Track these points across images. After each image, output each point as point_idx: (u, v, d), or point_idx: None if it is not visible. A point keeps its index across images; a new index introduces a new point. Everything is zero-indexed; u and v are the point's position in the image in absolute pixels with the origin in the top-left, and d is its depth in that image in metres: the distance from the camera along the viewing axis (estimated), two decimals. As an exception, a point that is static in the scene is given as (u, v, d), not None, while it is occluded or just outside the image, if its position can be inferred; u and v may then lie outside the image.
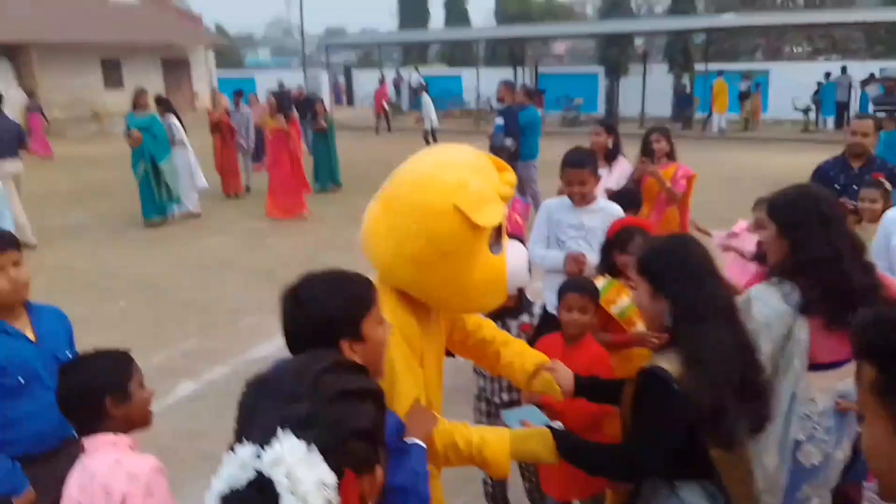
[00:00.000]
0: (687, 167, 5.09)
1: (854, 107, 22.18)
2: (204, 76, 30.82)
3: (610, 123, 5.65)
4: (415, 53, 40.30)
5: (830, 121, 21.96)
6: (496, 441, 2.03)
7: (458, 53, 39.71)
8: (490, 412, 3.35)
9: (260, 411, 0.99)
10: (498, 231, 2.08)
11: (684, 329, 1.87)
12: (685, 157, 5.44)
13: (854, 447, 2.44)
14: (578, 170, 3.69)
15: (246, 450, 0.93)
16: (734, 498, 1.88)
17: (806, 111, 22.09)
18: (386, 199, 2.10)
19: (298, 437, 0.93)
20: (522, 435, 2.07)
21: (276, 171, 10.65)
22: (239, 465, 0.92)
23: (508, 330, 3.01)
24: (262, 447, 0.93)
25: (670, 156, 5.06)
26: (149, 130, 9.86)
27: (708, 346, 1.80)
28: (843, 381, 2.37)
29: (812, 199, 2.28)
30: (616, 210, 3.83)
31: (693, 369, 1.79)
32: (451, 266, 2.00)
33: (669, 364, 1.84)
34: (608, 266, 3.18)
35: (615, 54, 26.43)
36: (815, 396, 2.31)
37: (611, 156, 5.20)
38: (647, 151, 4.99)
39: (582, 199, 3.74)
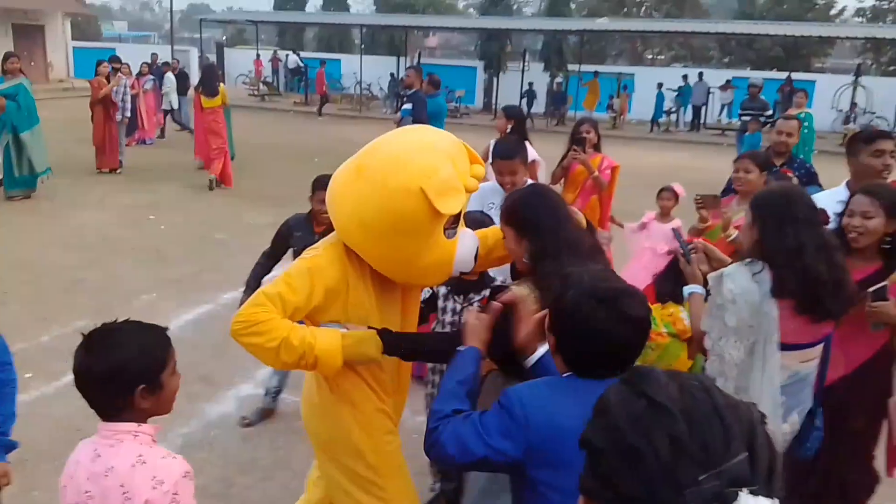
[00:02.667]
0: (611, 158, 5.32)
1: (712, 110, 24.02)
2: (60, 45, 28.49)
3: (512, 109, 5.81)
4: (289, 36, 39.29)
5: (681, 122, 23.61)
6: (328, 338, 2.15)
7: (336, 39, 39.14)
8: None
9: (682, 475, 0.73)
10: (456, 217, 2.19)
11: (544, 264, 2.17)
12: (561, 152, 5.55)
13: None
14: (509, 161, 3.77)
15: None
16: None
17: (668, 113, 23.64)
18: (358, 166, 2.17)
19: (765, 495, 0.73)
20: (353, 336, 2.19)
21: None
22: None
23: (471, 303, 3.13)
24: None
25: (597, 147, 5.26)
26: (14, 98, 9.02)
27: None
28: (807, 363, 2.56)
29: (788, 198, 2.47)
30: None
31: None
32: (403, 243, 2.12)
33: (521, 290, 2.13)
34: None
35: (495, 50, 27.02)
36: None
37: None
38: (577, 141, 5.15)
39: (513, 187, 3.82)
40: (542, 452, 1.56)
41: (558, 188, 5.49)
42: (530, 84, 24.43)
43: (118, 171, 11.50)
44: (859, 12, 36.67)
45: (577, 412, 1.35)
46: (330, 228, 4.07)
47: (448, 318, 3.24)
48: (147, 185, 10.77)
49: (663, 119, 23.74)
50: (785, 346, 2.43)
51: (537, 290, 2.14)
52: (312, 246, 2.34)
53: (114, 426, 1.71)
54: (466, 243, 2.30)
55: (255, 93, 26.46)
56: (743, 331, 2.39)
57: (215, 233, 8.37)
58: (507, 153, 3.79)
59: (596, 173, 5.08)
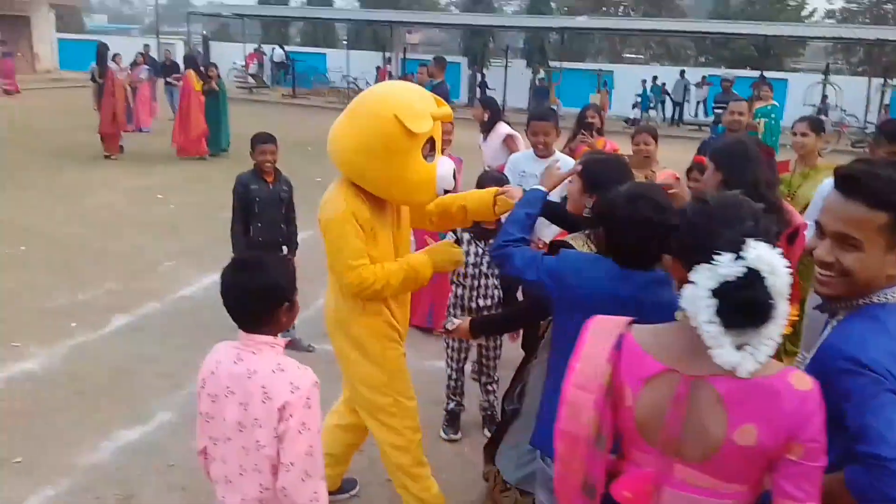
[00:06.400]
0: (613, 142, 5.85)
1: (689, 105, 24.76)
2: (45, 37, 28.61)
3: (486, 99, 6.45)
4: (274, 31, 39.54)
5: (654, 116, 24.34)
6: (416, 256, 2.95)
7: (320, 34, 39.49)
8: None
9: (717, 233, 1.38)
10: (432, 146, 2.82)
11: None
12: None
13: None
14: (543, 122, 4.37)
15: (725, 257, 1.33)
16: None
17: (650, 108, 24.39)
18: (349, 111, 2.85)
19: (762, 241, 1.35)
20: (434, 248, 2.98)
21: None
22: (724, 266, 1.32)
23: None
24: (737, 253, 1.33)
25: (599, 131, 5.82)
26: None
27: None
28: None
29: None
30: (568, 159, 4.52)
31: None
32: (391, 163, 2.71)
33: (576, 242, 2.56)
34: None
35: (478, 46, 27.59)
36: None
37: (488, 127, 6.00)
38: (584, 125, 5.68)
39: (545, 147, 4.40)
40: (563, 301, 2.15)
41: None
42: (482, 75, 25.40)
43: (120, 156, 11.94)
44: (829, 14, 37.76)
45: (599, 282, 2.06)
46: (276, 177, 4.95)
47: (471, 260, 3.81)
48: (149, 168, 11.24)
49: (645, 115, 24.45)
50: None
51: (591, 242, 2.51)
52: (326, 195, 2.85)
53: (255, 337, 1.97)
54: (445, 165, 2.92)
55: (245, 85, 26.79)
56: None
57: (219, 211, 8.82)
58: (542, 115, 4.44)
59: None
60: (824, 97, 22.94)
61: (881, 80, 23.27)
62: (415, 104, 2.72)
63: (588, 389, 1.50)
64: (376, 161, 2.69)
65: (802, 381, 1.41)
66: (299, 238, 5.12)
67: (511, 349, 4.78)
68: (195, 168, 11.52)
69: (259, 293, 1.95)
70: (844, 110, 22.57)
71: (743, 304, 1.32)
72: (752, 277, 1.32)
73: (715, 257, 1.34)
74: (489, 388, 4.11)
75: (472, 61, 28.00)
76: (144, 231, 7.77)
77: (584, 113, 5.87)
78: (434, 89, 9.44)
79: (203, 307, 5.72)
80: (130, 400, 4.24)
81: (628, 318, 1.58)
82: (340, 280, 2.78)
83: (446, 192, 3.03)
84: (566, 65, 26.09)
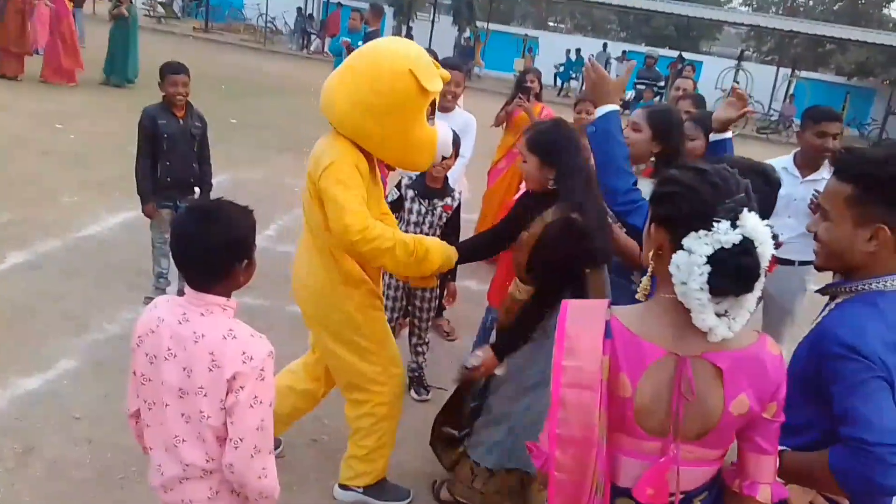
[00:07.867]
0: (550, 109, 5.74)
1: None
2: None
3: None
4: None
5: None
6: (431, 238, 2.76)
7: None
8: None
9: (717, 202, 1.36)
10: (432, 109, 2.67)
11: (568, 183, 2.58)
12: (471, 103, 5.85)
13: None
14: (456, 71, 4.31)
15: (723, 225, 1.34)
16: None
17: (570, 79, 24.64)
18: (349, 68, 2.61)
19: (751, 212, 1.36)
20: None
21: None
22: (722, 233, 1.33)
23: (435, 208, 3.63)
24: (733, 223, 1.34)
25: (538, 96, 5.71)
26: None
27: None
28: None
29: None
30: (471, 117, 4.56)
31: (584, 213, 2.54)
32: (397, 120, 2.56)
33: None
34: None
35: (405, -4, 26.88)
36: None
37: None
38: (523, 90, 5.56)
39: (453, 98, 4.32)
40: None
41: (500, 130, 5.94)
42: (409, 28, 25.05)
43: (20, 77, 10.94)
44: (745, 2, 39.12)
45: None
46: (187, 111, 4.48)
47: (413, 218, 3.66)
48: (47, 93, 10.39)
49: (566, 85, 24.69)
50: None
51: (562, 206, 2.56)
52: (319, 149, 2.62)
53: (205, 296, 1.75)
54: (444, 130, 2.79)
55: (152, 14, 25.09)
56: None
57: (128, 145, 8.19)
58: (454, 64, 4.38)
59: (537, 120, 5.54)
60: (736, 83, 23.82)
61: (788, 70, 24.35)
62: (424, 58, 2.58)
63: (591, 388, 1.39)
64: (382, 118, 2.51)
65: (775, 346, 1.48)
66: (214, 181, 4.76)
67: (447, 312, 4.71)
68: (97, 97, 10.71)
69: (220, 248, 1.73)
70: (752, 96, 23.54)
71: (737, 271, 1.34)
72: (748, 245, 1.34)
73: (714, 224, 1.34)
74: (419, 349, 4.00)
75: (397, 12, 27.29)
76: (44, 159, 7.15)
77: (524, 77, 5.80)
78: (367, 37, 9.06)
79: (111, 248, 5.32)
80: (29, 345, 3.89)
81: (605, 301, 1.51)
82: (344, 233, 2.46)
83: (444, 158, 2.91)
84: (493, 27, 25.88)
